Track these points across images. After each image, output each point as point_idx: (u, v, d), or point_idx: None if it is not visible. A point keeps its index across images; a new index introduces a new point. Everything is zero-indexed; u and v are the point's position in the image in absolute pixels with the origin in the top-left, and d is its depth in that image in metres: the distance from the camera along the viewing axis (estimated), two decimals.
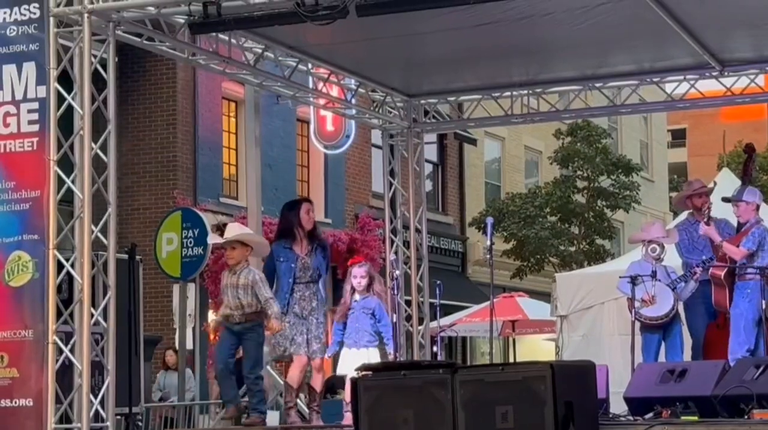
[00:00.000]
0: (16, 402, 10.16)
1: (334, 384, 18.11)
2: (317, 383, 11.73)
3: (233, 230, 11.46)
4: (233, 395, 11.25)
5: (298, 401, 11.96)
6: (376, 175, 26.74)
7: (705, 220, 12.47)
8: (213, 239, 11.57)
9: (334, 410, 13.55)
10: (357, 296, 12.20)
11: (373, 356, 12.06)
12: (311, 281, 11.57)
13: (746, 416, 9.64)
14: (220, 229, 22.00)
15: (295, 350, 11.46)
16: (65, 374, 10.28)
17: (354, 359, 11.75)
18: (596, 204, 30.96)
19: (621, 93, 14.81)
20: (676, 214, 26.07)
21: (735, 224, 12.48)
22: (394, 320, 12.26)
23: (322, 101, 14.91)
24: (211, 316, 11.44)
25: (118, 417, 11.57)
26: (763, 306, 11.86)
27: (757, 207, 12.23)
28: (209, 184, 23.18)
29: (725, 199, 12.54)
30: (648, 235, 12.83)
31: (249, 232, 11.75)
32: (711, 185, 13.20)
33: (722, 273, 12.17)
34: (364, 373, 9.75)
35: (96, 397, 10.08)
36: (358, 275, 12.20)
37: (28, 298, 10.23)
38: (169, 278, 18.03)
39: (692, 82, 14.12)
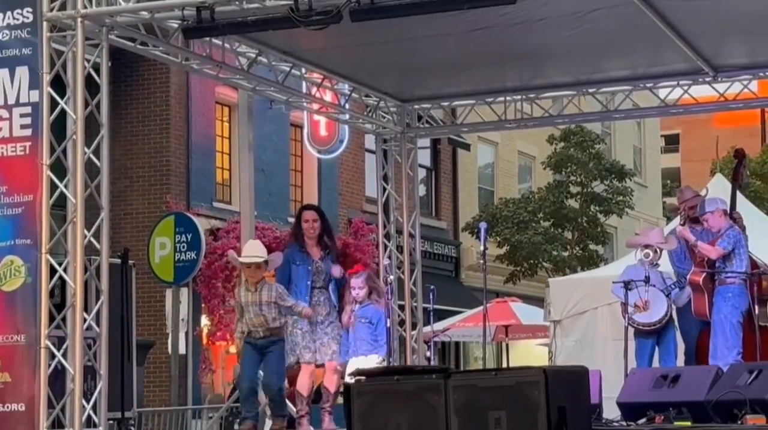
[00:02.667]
0: (8, 407, 10.14)
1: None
2: (332, 383, 11.73)
3: (256, 250, 11.34)
4: (255, 413, 11.26)
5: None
6: (370, 180, 26.74)
7: (682, 222, 12.51)
8: (235, 258, 11.45)
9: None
10: (356, 306, 12.23)
11: (371, 364, 12.05)
12: (323, 287, 11.61)
13: (739, 422, 9.64)
14: (213, 233, 22.05)
15: (309, 358, 11.49)
16: (57, 378, 10.27)
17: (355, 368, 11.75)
18: (589, 209, 30.95)
19: (614, 98, 14.82)
20: (669, 219, 26.10)
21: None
22: (388, 325, 12.25)
23: (315, 106, 14.89)
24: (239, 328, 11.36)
25: (111, 422, 11.56)
26: (757, 311, 11.88)
27: (724, 212, 12.21)
28: (202, 188, 23.13)
29: (694, 220, 12.59)
30: (647, 239, 12.79)
31: (264, 252, 11.54)
32: (703, 193, 13.18)
33: (701, 278, 12.18)
34: (357, 378, 9.75)
35: (88, 402, 10.07)
36: (356, 286, 12.17)
37: (21, 302, 10.21)
38: (162, 282, 18.04)
39: (685, 87, 14.12)
